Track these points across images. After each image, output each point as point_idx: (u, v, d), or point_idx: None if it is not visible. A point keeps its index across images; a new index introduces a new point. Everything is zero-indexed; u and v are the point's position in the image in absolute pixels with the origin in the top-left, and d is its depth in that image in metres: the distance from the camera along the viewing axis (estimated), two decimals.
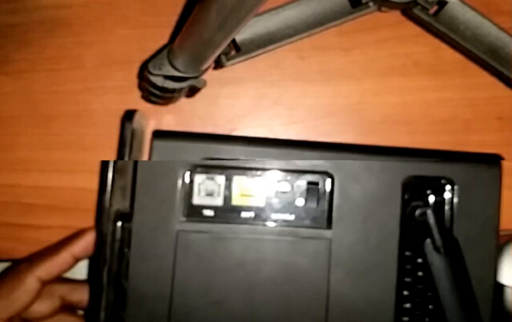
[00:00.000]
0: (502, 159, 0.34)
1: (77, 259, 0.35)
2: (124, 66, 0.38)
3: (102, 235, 0.32)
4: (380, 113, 0.39)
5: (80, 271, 0.39)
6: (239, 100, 0.39)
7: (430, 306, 0.34)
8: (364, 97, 0.39)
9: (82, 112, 0.38)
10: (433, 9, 0.33)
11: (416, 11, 0.33)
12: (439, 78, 0.39)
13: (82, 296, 0.36)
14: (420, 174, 0.33)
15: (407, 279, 0.34)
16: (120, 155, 0.32)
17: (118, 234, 0.32)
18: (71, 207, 0.38)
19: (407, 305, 0.34)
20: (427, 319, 0.34)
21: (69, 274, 0.36)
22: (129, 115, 0.33)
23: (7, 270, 0.36)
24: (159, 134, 0.34)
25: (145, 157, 0.36)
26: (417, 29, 0.38)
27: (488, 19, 0.33)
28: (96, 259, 0.32)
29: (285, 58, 0.38)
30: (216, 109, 0.39)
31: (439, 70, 0.39)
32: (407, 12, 0.36)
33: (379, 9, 0.34)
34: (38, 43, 0.38)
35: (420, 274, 0.34)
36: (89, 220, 0.38)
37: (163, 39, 0.37)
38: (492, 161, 0.34)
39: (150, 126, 0.38)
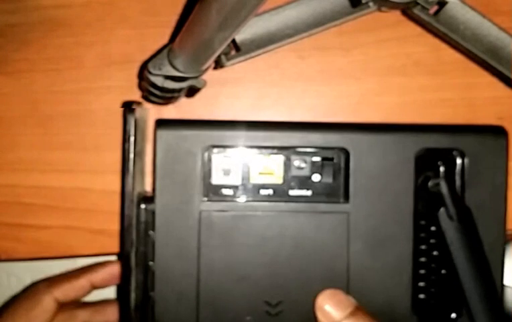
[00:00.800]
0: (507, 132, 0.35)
1: (94, 288, 0.37)
2: (124, 66, 0.38)
3: (127, 218, 0.33)
4: (380, 113, 0.39)
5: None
6: (239, 100, 0.39)
7: (443, 271, 0.35)
8: (364, 97, 0.39)
9: (82, 112, 0.38)
10: (433, 9, 0.33)
11: (416, 11, 0.33)
12: (439, 78, 0.39)
13: (103, 317, 0.37)
14: (432, 146, 0.35)
15: (423, 247, 0.35)
16: (125, 146, 0.33)
17: (143, 217, 0.34)
18: (71, 207, 0.38)
19: (423, 271, 0.35)
20: (441, 284, 0.35)
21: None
22: (130, 107, 0.33)
23: (26, 289, 0.37)
24: (162, 123, 0.35)
25: (150, 147, 0.36)
26: (417, 29, 0.38)
27: (488, 19, 0.33)
28: (122, 242, 0.33)
29: (285, 58, 0.38)
30: (216, 109, 0.39)
31: (439, 70, 0.39)
32: (407, 12, 0.35)
33: (379, 9, 0.34)
34: (38, 43, 0.38)
35: (434, 241, 0.35)
36: (89, 220, 0.38)
37: (163, 39, 0.37)
38: (499, 132, 0.35)
39: (152, 116, 0.38)
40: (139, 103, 0.35)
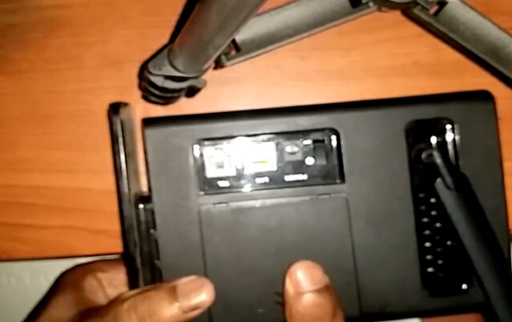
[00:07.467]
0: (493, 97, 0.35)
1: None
2: (124, 66, 0.38)
3: (127, 219, 0.33)
4: None
5: None
6: (239, 100, 0.39)
7: (449, 243, 0.35)
8: (364, 97, 0.39)
9: (82, 112, 0.38)
10: (433, 9, 0.33)
11: (416, 11, 0.33)
12: (439, 78, 0.39)
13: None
14: (421, 117, 0.35)
15: (425, 219, 0.35)
16: (114, 148, 0.33)
17: (142, 216, 0.34)
18: (71, 207, 0.38)
19: (428, 244, 0.35)
20: (448, 255, 0.35)
21: None
22: (114, 108, 0.33)
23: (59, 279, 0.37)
24: (149, 122, 0.34)
25: (140, 146, 0.36)
26: (417, 29, 0.38)
27: (488, 19, 0.33)
28: (125, 244, 0.33)
29: (285, 58, 0.38)
30: (216, 109, 0.39)
31: (439, 70, 0.39)
32: (407, 12, 0.36)
33: (379, 9, 0.34)
34: (38, 43, 0.38)
35: (436, 213, 0.35)
36: (89, 220, 0.38)
37: (163, 39, 0.37)
38: (486, 97, 0.35)
39: (138, 114, 0.38)
40: (124, 104, 0.35)
